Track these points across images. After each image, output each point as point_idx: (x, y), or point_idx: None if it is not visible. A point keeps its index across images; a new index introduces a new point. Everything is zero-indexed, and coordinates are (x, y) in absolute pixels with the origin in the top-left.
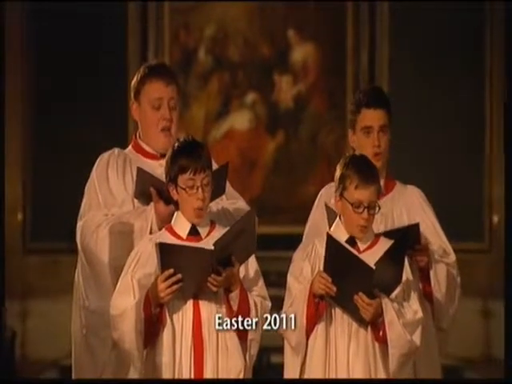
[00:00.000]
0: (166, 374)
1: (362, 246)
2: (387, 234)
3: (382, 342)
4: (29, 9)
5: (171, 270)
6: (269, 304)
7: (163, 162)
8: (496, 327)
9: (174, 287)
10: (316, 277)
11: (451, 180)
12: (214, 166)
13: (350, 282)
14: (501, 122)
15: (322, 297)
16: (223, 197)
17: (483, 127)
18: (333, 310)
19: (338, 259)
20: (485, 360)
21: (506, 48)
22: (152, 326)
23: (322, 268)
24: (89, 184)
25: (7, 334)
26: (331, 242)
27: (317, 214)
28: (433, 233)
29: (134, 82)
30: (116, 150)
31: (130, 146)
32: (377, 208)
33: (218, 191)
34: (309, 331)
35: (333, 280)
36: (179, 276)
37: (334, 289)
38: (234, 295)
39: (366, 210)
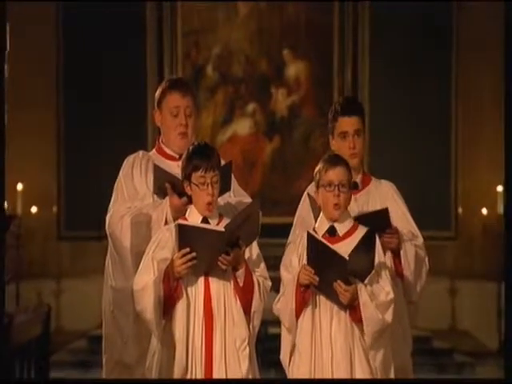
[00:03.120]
0: (181, 341)
1: (341, 232)
2: (359, 218)
3: (359, 321)
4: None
5: (187, 249)
6: (269, 283)
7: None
8: (460, 303)
9: (189, 264)
10: (301, 269)
11: (423, 178)
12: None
13: (329, 272)
14: (465, 126)
15: (308, 286)
16: (232, 194)
17: (449, 132)
18: (317, 296)
19: (318, 253)
20: (451, 331)
21: (506, 49)
22: (170, 299)
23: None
24: (117, 181)
25: (43, 310)
26: (311, 238)
27: (303, 209)
28: (403, 219)
29: (157, 93)
30: (141, 153)
31: (154, 149)
32: (347, 189)
33: (224, 187)
34: (298, 314)
35: (315, 271)
36: (194, 254)
37: (317, 279)
38: (240, 273)
39: (336, 187)
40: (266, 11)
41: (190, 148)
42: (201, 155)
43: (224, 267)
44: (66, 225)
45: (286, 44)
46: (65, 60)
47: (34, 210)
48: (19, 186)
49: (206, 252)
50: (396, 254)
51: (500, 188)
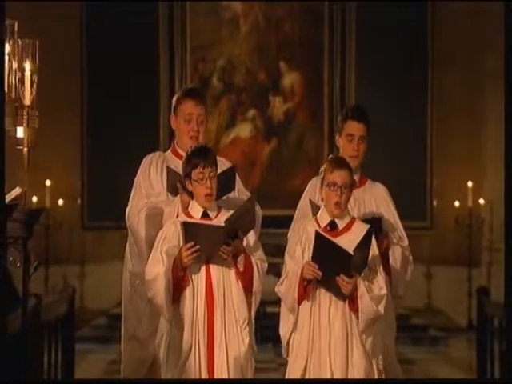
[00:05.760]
0: (187, 322)
1: (340, 226)
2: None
3: (355, 310)
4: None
5: (192, 243)
6: (266, 265)
7: None
8: (435, 285)
9: (194, 255)
10: (305, 265)
11: (402, 175)
12: (223, 164)
13: (332, 267)
14: (439, 130)
15: (310, 281)
16: (236, 194)
17: (426, 135)
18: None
19: (324, 249)
20: (426, 309)
21: (506, 49)
22: (178, 286)
23: (310, 252)
24: (136, 178)
25: (69, 291)
26: (319, 236)
27: (305, 201)
28: (392, 222)
29: (173, 100)
30: (158, 153)
31: (169, 150)
32: (348, 189)
33: (228, 189)
34: (300, 302)
35: (319, 267)
36: (198, 247)
37: (320, 274)
38: (240, 259)
39: (339, 189)
40: (264, 28)
41: (189, 150)
42: (198, 154)
43: (225, 257)
44: (89, 216)
45: (282, 57)
46: (88, 70)
47: (60, 203)
48: (47, 182)
49: (209, 244)
50: (385, 254)
51: (470, 183)
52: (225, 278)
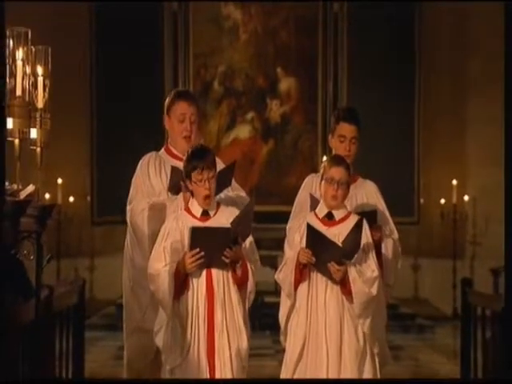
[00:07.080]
0: (189, 318)
1: (338, 217)
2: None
3: (348, 294)
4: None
5: (197, 250)
6: (259, 264)
7: None
8: (422, 276)
9: (198, 262)
10: (300, 251)
11: (392, 174)
12: (219, 165)
13: (324, 255)
14: (425, 132)
15: (306, 265)
16: (230, 189)
17: (413, 137)
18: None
19: (316, 240)
20: (414, 299)
21: (506, 49)
22: (180, 288)
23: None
24: (135, 178)
25: (79, 282)
26: (310, 228)
27: (302, 195)
28: (383, 217)
29: (166, 101)
30: (154, 153)
31: (162, 149)
32: (345, 185)
33: (225, 184)
34: (296, 286)
35: (312, 253)
36: (202, 254)
37: (314, 259)
38: (239, 266)
39: (336, 183)
40: (262, 36)
41: (189, 151)
42: (198, 157)
43: (227, 261)
44: (98, 212)
45: (278, 63)
46: (97, 74)
47: (71, 199)
48: (59, 180)
49: (215, 246)
50: (378, 245)
51: (454, 182)
52: (224, 274)
